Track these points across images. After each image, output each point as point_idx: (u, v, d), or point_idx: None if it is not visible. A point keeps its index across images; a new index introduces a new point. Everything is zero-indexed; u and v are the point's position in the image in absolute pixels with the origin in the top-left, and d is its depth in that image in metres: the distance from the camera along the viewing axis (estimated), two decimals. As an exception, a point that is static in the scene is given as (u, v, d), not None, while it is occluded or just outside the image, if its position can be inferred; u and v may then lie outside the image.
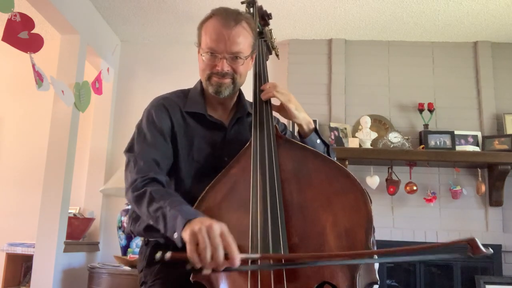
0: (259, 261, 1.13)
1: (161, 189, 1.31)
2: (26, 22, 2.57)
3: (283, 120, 1.66)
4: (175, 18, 3.64)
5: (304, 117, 1.46)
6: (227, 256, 1.03)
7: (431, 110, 3.61)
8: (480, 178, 3.46)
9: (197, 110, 1.48)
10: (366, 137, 3.48)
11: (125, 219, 3.27)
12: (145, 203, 1.27)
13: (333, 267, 1.12)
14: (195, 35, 1.46)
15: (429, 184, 3.56)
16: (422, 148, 3.48)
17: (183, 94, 1.53)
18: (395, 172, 3.51)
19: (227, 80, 1.42)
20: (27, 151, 3.80)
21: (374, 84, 3.79)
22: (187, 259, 1.04)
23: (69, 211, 3.24)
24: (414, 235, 3.50)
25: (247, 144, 1.38)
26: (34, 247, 3.05)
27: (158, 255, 1.03)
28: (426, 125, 3.59)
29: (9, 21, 2.51)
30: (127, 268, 3.05)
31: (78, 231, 3.32)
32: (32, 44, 2.62)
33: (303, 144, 1.39)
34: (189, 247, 1.05)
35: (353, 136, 3.55)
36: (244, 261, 1.06)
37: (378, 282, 1.14)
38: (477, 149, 3.45)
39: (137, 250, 3.03)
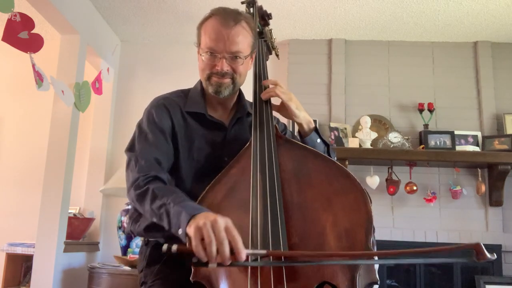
0: (259, 259, 1.13)
1: (164, 186, 1.31)
2: (26, 22, 2.57)
3: (283, 120, 1.66)
4: (175, 18, 3.64)
5: (305, 116, 1.46)
6: (232, 251, 1.03)
7: (431, 110, 3.61)
8: (480, 178, 3.46)
9: (198, 110, 1.48)
10: (366, 137, 3.48)
11: (125, 219, 3.27)
12: (148, 200, 1.27)
13: (333, 267, 1.12)
14: (195, 35, 1.46)
15: (429, 184, 3.56)
16: (422, 148, 3.48)
17: (183, 94, 1.53)
18: (395, 172, 3.51)
19: (227, 80, 1.42)
20: (27, 151, 3.80)
21: (374, 84, 3.79)
22: (193, 252, 1.04)
23: (69, 211, 3.24)
24: (414, 235, 3.50)
25: (247, 144, 1.38)
26: (34, 247, 3.05)
27: (165, 247, 1.03)
28: (426, 125, 3.59)
29: (9, 21, 2.51)
30: (127, 268, 3.05)
31: (78, 231, 3.32)
32: (32, 44, 2.62)
33: (303, 144, 1.39)
34: (194, 242, 1.04)
35: (353, 136, 3.55)
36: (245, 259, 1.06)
37: (378, 282, 1.14)
38: (477, 149, 3.45)
39: (137, 250, 3.03)
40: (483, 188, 3.43)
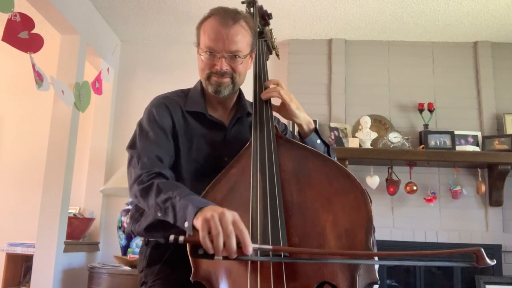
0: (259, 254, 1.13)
1: (168, 181, 1.31)
2: (26, 22, 2.57)
3: (283, 120, 1.66)
4: (175, 18, 3.64)
5: (305, 117, 1.46)
6: (239, 245, 1.03)
7: (431, 110, 3.61)
8: (480, 178, 3.46)
9: (198, 110, 1.48)
10: (366, 137, 3.48)
11: (125, 219, 3.27)
12: (152, 194, 1.26)
13: (333, 267, 1.12)
14: (195, 35, 1.46)
15: (429, 184, 3.56)
16: (422, 148, 3.48)
17: (183, 93, 1.53)
18: (395, 172, 3.51)
19: (227, 79, 1.42)
20: (27, 151, 3.80)
21: (374, 84, 3.79)
22: (200, 244, 1.04)
23: (69, 211, 3.24)
24: (414, 235, 3.50)
25: (247, 144, 1.38)
26: (34, 247, 3.05)
27: (172, 238, 1.03)
28: (426, 125, 3.59)
29: (9, 21, 2.51)
30: (127, 268, 3.05)
31: (78, 231, 3.32)
32: (32, 44, 2.62)
33: (303, 144, 1.39)
34: (201, 234, 1.04)
35: (353, 136, 3.55)
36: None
37: (378, 282, 1.14)
38: (477, 149, 3.45)
39: (137, 250, 3.04)
40: (483, 188, 3.43)
